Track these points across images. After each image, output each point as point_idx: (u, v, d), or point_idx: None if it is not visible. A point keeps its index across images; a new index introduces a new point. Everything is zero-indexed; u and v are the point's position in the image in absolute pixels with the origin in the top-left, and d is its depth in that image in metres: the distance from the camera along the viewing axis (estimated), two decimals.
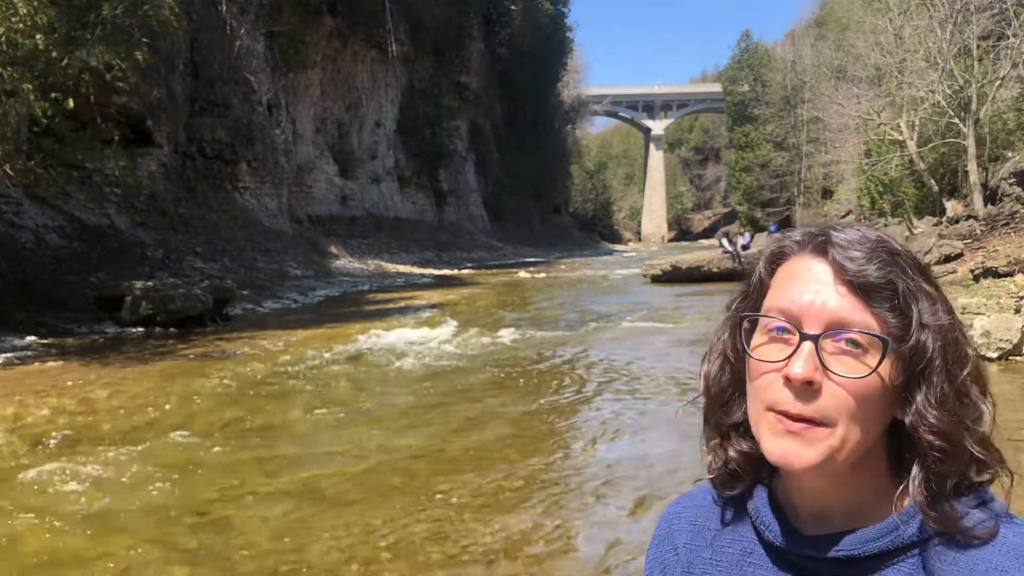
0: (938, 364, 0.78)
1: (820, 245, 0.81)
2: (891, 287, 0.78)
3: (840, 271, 0.79)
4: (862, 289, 0.78)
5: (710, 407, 0.90)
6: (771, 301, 0.83)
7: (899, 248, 0.82)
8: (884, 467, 0.82)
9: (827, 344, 0.78)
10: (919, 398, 0.78)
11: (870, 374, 0.77)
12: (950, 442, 0.77)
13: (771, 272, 0.85)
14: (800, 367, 0.77)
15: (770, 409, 0.79)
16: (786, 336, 0.80)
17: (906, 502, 0.80)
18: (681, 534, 0.93)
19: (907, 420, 0.79)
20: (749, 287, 0.87)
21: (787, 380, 0.78)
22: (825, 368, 0.77)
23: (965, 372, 0.79)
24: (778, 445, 0.78)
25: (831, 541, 0.80)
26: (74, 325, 13.59)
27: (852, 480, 0.81)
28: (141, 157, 22.88)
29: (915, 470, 0.79)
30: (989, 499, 0.79)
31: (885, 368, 0.77)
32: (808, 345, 0.77)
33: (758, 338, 0.82)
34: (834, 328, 0.78)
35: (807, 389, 0.77)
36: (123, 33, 14.14)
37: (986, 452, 0.79)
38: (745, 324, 0.84)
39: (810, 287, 0.80)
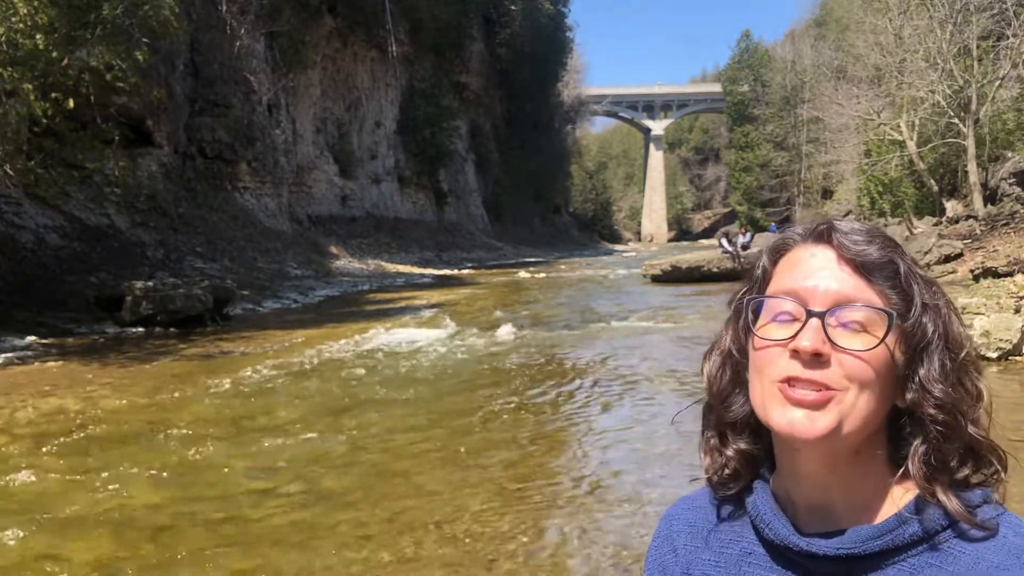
0: (939, 342, 0.81)
1: (822, 233, 0.85)
2: (892, 265, 0.81)
3: (842, 250, 0.82)
4: (864, 268, 0.81)
5: (711, 403, 0.91)
6: (775, 286, 0.85)
7: (895, 240, 0.85)
8: (884, 460, 0.83)
9: (832, 320, 0.79)
10: (922, 372, 0.80)
11: (877, 346, 0.78)
12: (952, 416, 0.79)
13: (774, 263, 0.88)
14: (808, 339, 0.78)
15: (776, 381, 0.80)
16: (791, 320, 0.82)
17: (907, 497, 0.80)
18: (680, 536, 0.94)
19: (909, 396, 0.80)
20: (753, 280, 0.89)
21: (795, 353, 0.79)
22: (832, 342, 0.78)
23: (964, 352, 0.82)
24: (786, 416, 0.79)
25: (831, 538, 0.80)
26: (74, 325, 13.59)
27: (853, 469, 0.81)
28: (141, 157, 22.89)
29: (915, 445, 0.80)
30: (988, 498, 0.80)
31: (890, 343, 0.79)
32: (815, 321, 0.79)
33: (763, 322, 0.84)
34: (839, 305, 0.80)
35: (815, 360, 0.78)
36: (123, 33, 14.12)
37: (983, 435, 0.80)
38: (750, 311, 0.86)
39: (814, 270, 0.83)
